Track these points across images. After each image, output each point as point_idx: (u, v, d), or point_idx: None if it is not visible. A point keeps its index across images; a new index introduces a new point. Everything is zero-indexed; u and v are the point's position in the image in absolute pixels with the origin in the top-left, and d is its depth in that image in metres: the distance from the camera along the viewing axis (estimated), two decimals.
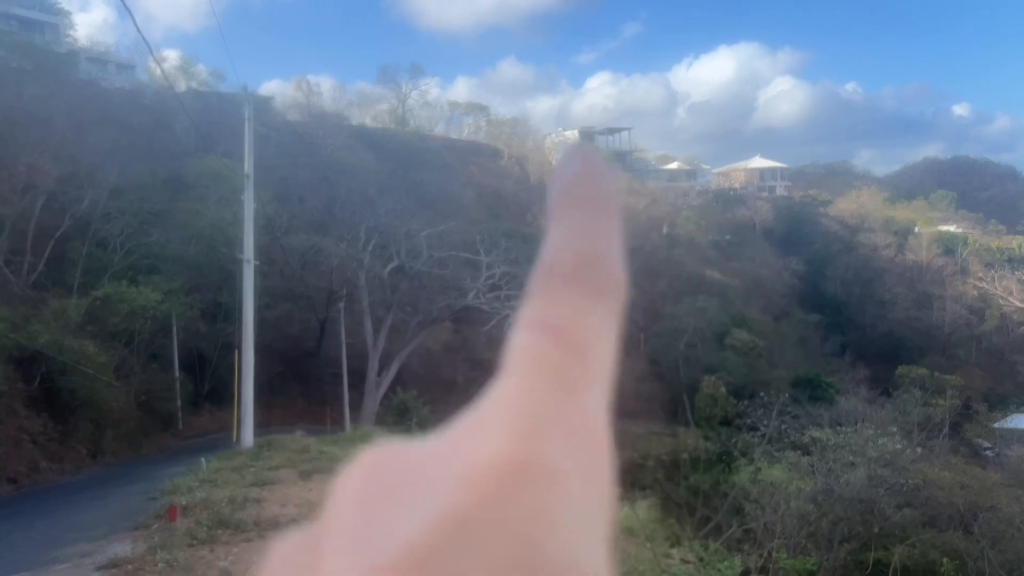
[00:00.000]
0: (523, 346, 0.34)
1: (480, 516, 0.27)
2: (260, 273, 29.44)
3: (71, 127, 35.46)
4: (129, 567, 10.16)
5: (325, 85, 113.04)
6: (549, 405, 0.32)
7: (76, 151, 33.58)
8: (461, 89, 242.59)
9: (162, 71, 33.58)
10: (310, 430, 29.63)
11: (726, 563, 9.75)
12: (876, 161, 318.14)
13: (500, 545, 0.26)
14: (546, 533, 0.26)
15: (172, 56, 64.95)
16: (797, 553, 19.09)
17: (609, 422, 0.31)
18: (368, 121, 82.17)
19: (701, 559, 9.98)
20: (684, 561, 10.54)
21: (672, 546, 11.79)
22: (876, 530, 24.67)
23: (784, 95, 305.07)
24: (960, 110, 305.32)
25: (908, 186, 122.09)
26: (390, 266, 43.05)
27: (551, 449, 0.30)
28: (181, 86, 55.55)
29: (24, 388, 25.14)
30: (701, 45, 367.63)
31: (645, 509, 14.17)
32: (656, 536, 11.69)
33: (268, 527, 11.56)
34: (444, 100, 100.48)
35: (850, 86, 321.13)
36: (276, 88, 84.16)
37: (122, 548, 11.41)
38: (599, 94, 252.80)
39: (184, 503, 13.43)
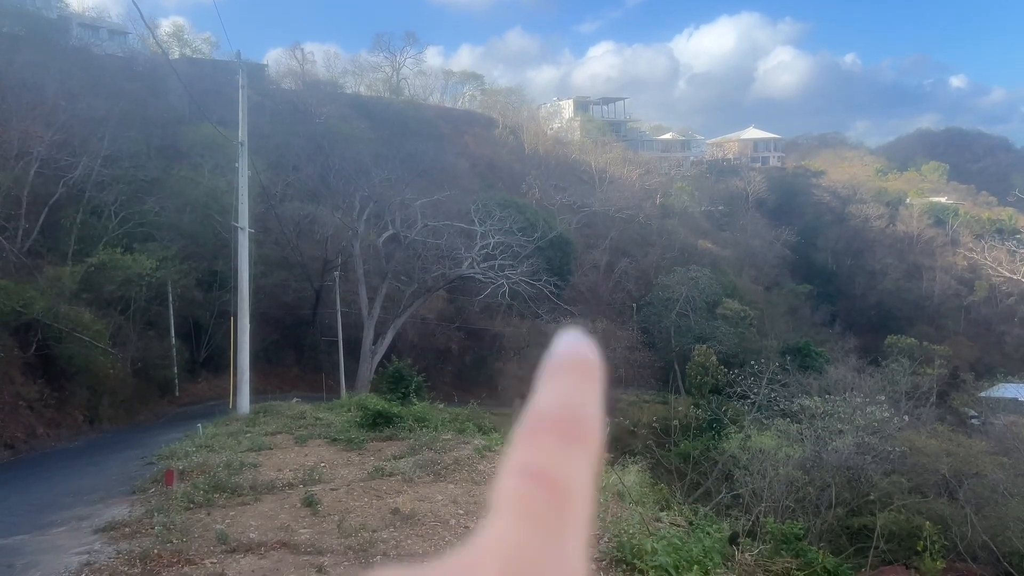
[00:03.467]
0: (509, 489, 0.38)
1: None
2: (255, 241, 29.51)
3: (63, 94, 35.21)
4: (126, 530, 10.32)
5: (328, 54, 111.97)
6: (534, 548, 0.36)
7: (68, 118, 33.38)
8: (465, 58, 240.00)
9: (155, 39, 33.33)
10: (306, 397, 29.89)
11: (715, 527, 10.00)
12: (871, 132, 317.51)
13: None
14: None
15: (167, 23, 64.24)
16: (785, 518, 19.42)
17: (587, 560, 0.35)
18: (362, 90, 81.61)
19: (691, 523, 10.23)
20: (674, 525, 10.79)
21: (662, 510, 12.04)
22: (863, 496, 25.08)
23: (783, 66, 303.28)
24: (957, 82, 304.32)
25: (901, 157, 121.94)
26: (385, 235, 43.06)
27: None
28: (175, 53, 55.08)
29: (21, 355, 25.22)
30: (702, 15, 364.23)
31: (635, 474, 14.43)
32: (646, 500, 11.94)
33: (264, 491, 11.78)
34: (439, 69, 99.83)
35: (849, 57, 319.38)
36: (280, 58, 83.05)
37: (119, 512, 11.60)
38: (601, 63, 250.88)
39: (181, 468, 13.62)
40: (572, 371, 0.43)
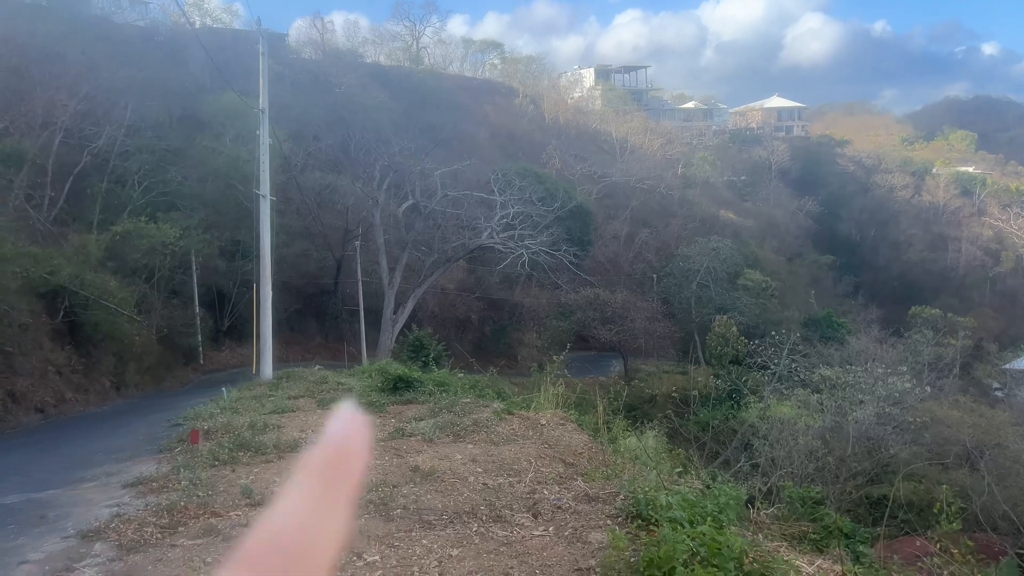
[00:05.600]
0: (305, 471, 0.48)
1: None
2: (277, 211, 29.68)
3: (86, 63, 35.42)
4: (154, 484, 10.57)
5: (348, 23, 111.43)
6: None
7: (91, 88, 33.62)
8: (491, 26, 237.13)
9: (180, 7, 33.38)
10: (328, 365, 30.12)
11: (731, 487, 10.08)
12: (899, 101, 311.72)
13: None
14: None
15: None
16: (803, 486, 19.49)
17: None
18: (382, 59, 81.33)
19: (708, 487, 10.31)
20: (690, 488, 10.86)
21: (680, 475, 12.13)
22: (883, 466, 25.06)
23: (812, 33, 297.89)
24: (989, 49, 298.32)
25: (928, 126, 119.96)
26: (405, 205, 43.17)
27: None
28: (195, 23, 55.10)
29: (49, 321, 25.67)
30: None
31: (652, 439, 14.50)
32: (664, 465, 12.04)
33: (288, 450, 12.00)
34: (459, 38, 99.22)
35: (879, 24, 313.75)
36: (301, 28, 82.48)
37: (147, 468, 11.87)
38: (628, 31, 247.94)
39: (206, 428, 13.87)
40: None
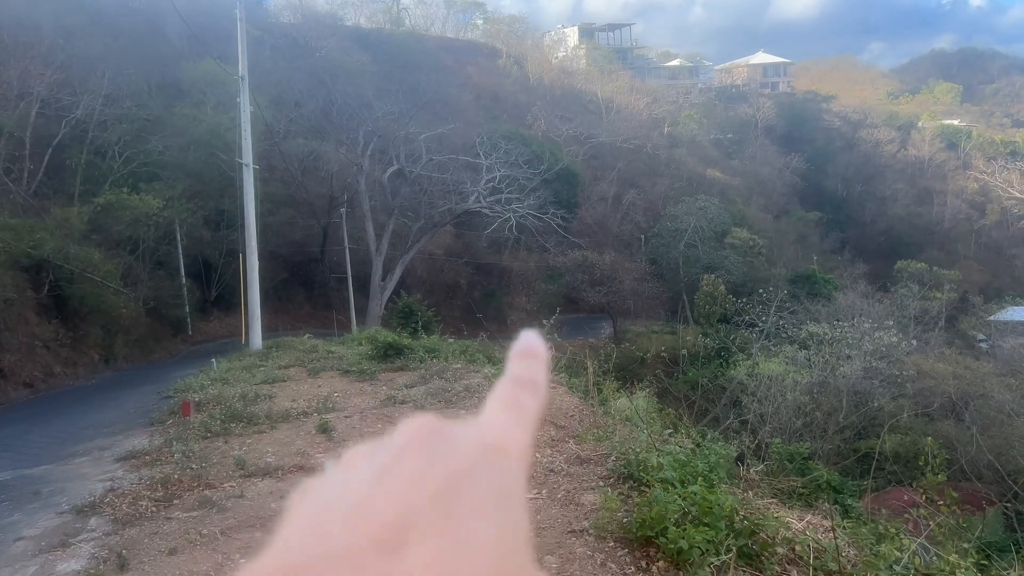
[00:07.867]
0: (504, 392, 0.55)
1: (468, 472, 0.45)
2: (260, 179, 29.40)
3: (60, 31, 34.73)
4: (147, 458, 10.61)
5: None
6: (511, 425, 0.51)
7: (67, 57, 32.99)
8: None
9: None
10: (317, 334, 30.14)
11: (721, 445, 10.17)
12: (886, 54, 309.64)
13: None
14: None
15: None
16: (792, 441, 19.76)
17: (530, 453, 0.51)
18: (363, 22, 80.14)
19: (698, 445, 10.40)
20: (680, 447, 10.95)
21: (670, 434, 12.22)
22: (870, 419, 25.41)
23: None
24: (977, 0, 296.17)
25: (913, 79, 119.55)
26: (390, 171, 42.77)
27: (515, 441, 0.49)
28: None
29: (34, 295, 25.50)
30: None
31: (643, 399, 14.58)
32: (653, 424, 12.10)
33: (280, 420, 12.03)
34: None
35: None
36: None
37: (139, 441, 11.91)
38: None
39: (197, 400, 13.89)
40: (531, 359, 0.58)
